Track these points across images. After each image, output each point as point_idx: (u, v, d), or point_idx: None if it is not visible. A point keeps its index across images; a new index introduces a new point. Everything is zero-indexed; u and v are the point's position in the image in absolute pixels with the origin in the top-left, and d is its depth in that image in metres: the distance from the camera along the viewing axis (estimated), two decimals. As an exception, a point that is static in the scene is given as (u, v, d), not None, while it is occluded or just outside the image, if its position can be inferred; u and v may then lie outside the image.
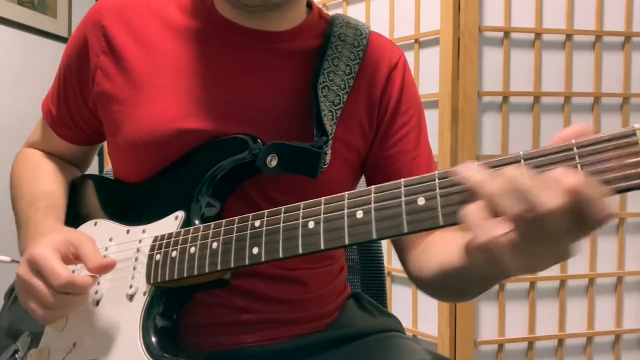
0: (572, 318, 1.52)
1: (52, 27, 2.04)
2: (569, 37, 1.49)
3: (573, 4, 1.49)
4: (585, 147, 0.41)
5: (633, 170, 0.39)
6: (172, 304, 0.64)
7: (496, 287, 1.49)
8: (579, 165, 0.41)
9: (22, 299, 0.62)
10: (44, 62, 2.01)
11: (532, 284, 1.50)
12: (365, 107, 0.74)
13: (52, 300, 0.58)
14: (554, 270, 1.50)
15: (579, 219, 0.38)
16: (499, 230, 0.40)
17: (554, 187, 0.38)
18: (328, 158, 0.66)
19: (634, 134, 0.40)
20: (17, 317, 0.75)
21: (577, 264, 1.51)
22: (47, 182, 0.75)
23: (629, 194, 1.51)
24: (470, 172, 0.43)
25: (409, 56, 1.52)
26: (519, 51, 1.49)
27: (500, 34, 1.48)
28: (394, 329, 0.79)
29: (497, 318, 1.50)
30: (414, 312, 1.56)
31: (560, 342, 1.52)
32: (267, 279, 0.69)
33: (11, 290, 0.80)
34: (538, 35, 1.48)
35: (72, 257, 0.62)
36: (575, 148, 0.41)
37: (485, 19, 1.47)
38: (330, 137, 0.66)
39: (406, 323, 1.28)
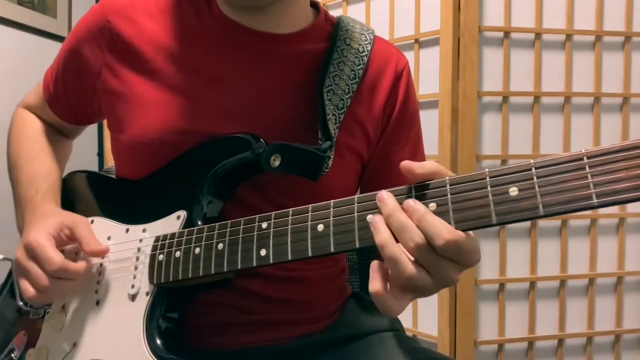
0: (572, 318, 1.52)
1: (52, 27, 2.03)
2: (569, 37, 1.49)
3: (573, 4, 1.49)
4: (595, 158, 0.42)
5: None
6: (175, 304, 0.64)
7: (496, 287, 1.49)
8: (589, 175, 0.42)
9: (17, 278, 0.66)
10: (44, 62, 2.00)
11: (532, 284, 1.50)
12: (369, 113, 0.73)
13: (45, 284, 0.61)
14: (554, 270, 1.50)
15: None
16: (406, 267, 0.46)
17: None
18: (330, 162, 0.66)
19: None
20: (10, 315, 0.75)
21: (577, 264, 1.51)
22: (45, 161, 0.77)
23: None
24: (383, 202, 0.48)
25: (409, 56, 1.52)
26: (519, 51, 1.49)
27: (500, 34, 1.48)
28: (394, 328, 0.79)
29: (497, 318, 1.49)
30: (414, 311, 1.56)
31: (560, 342, 1.51)
32: (269, 280, 0.69)
33: (1, 287, 0.79)
34: (538, 35, 1.48)
35: (66, 239, 0.65)
36: (585, 158, 0.42)
37: (485, 19, 1.47)
38: (333, 141, 0.66)
39: (406, 323, 1.28)
